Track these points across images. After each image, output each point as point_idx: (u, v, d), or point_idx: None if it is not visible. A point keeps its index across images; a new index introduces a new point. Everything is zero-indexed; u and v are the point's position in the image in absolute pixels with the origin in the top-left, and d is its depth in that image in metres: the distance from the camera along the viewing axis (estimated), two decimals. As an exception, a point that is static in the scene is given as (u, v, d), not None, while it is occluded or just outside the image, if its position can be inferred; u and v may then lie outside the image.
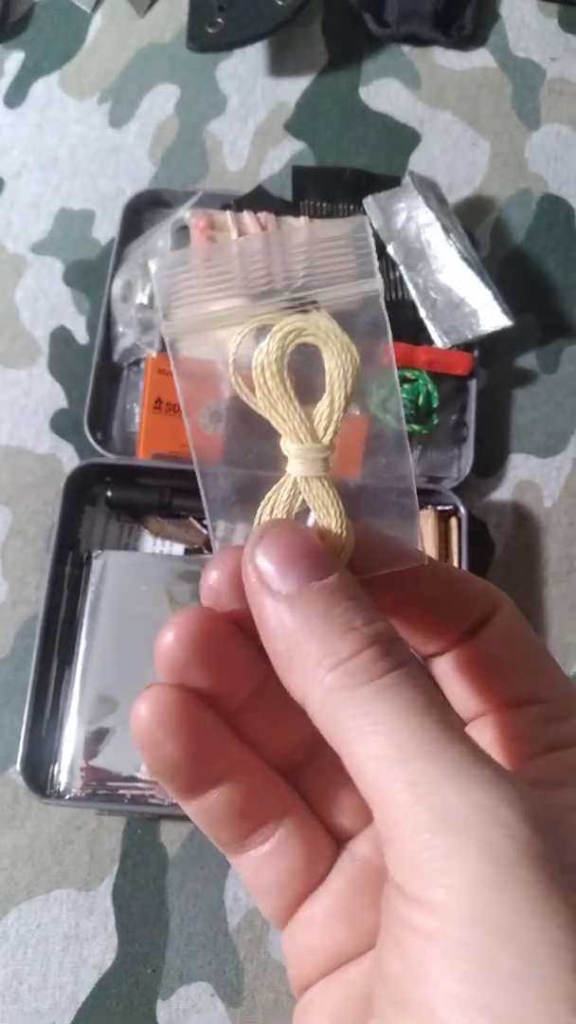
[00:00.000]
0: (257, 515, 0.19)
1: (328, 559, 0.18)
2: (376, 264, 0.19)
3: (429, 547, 0.54)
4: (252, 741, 0.21)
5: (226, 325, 0.19)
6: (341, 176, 0.64)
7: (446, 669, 0.21)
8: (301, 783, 0.21)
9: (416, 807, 0.15)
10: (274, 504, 0.19)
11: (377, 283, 0.19)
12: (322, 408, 0.19)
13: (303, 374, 0.19)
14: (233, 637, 0.20)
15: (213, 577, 0.19)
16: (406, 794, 0.15)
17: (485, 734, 0.21)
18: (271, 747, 0.21)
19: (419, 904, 0.15)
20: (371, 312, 0.19)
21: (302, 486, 0.19)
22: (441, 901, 0.14)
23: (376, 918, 0.17)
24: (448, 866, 0.14)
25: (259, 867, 0.20)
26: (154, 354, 0.58)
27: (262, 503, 0.19)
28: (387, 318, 0.19)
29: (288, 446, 0.19)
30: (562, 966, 0.13)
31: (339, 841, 0.21)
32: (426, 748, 0.15)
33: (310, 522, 0.19)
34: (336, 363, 0.19)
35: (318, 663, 0.17)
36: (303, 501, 0.19)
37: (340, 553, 0.19)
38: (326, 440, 0.19)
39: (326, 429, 0.19)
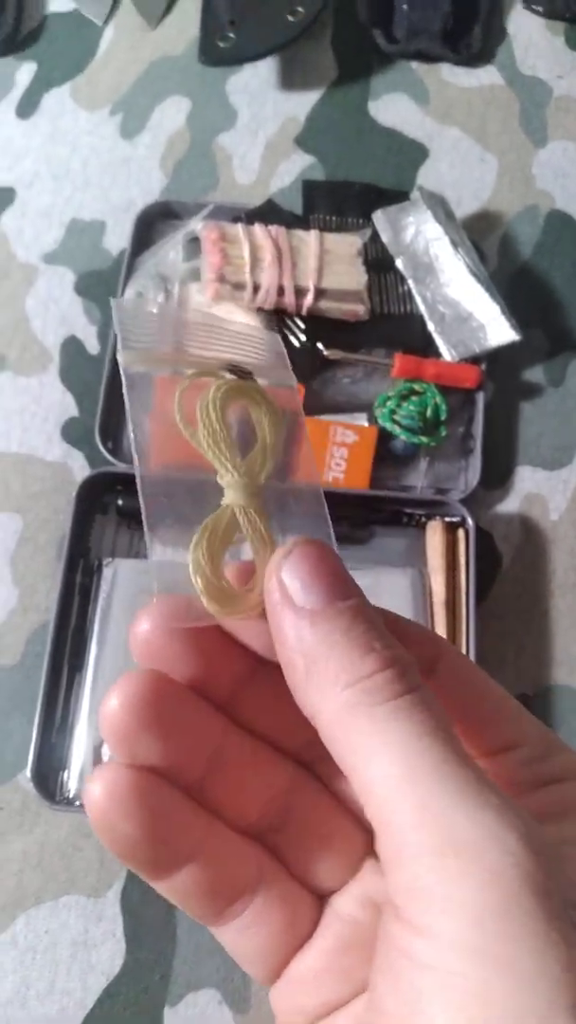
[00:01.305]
0: (194, 541, 0.19)
1: (349, 583, 0.18)
2: (291, 374, 0.22)
3: (437, 559, 0.55)
4: (218, 809, 0.20)
5: (172, 367, 0.21)
6: (351, 190, 0.65)
7: None
8: (276, 845, 0.20)
9: (422, 829, 0.15)
10: (212, 530, 0.20)
11: (293, 382, 0.22)
12: (255, 455, 0.21)
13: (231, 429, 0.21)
14: (184, 698, 0.19)
15: (143, 628, 0.19)
16: (413, 816, 0.15)
17: None
18: (239, 812, 0.20)
19: (418, 931, 0.15)
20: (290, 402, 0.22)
21: (239, 516, 0.20)
22: (441, 929, 0.14)
23: (367, 972, 0.17)
24: (450, 891, 0.14)
25: (240, 937, 0.20)
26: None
27: (200, 529, 0.19)
28: (301, 409, 0.23)
29: (227, 478, 0.20)
30: (559, 1004, 0.13)
31: (320, 897, 0.20)
32: (436, 771, 0.15)
33: (246, 551, 0.20)
34: (267, 421, 0.21)
35: (336, 678, 0.17)
36: (239, 530, 0.20)
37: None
38: (262, 479, 0.20)
39: (260, 470, 0.20)
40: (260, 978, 0.20)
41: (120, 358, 0.20)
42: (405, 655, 0.18)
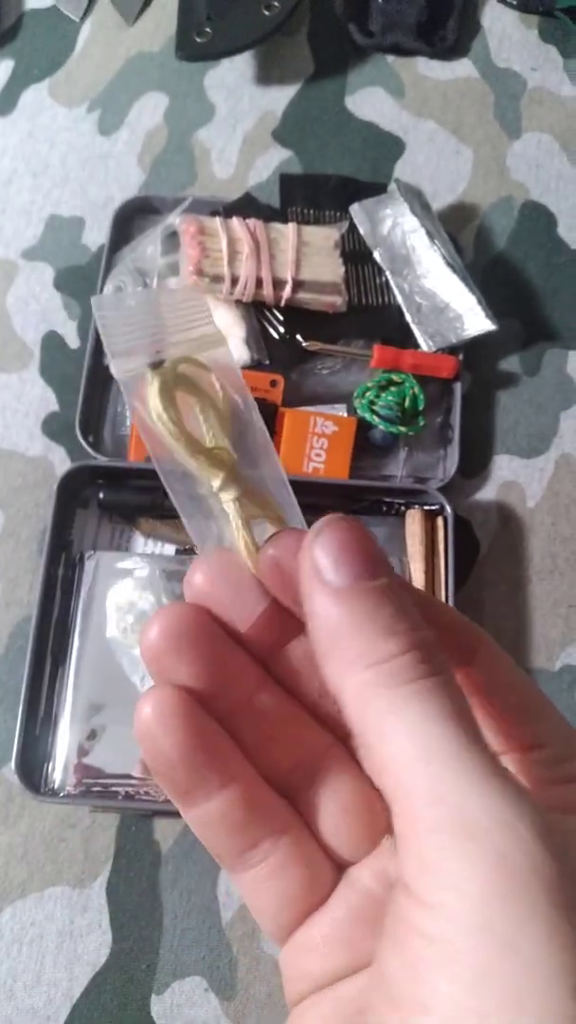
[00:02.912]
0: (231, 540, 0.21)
1: (380, 562, 0.18)
2: (212, 319, 0.21)
3: (416, 546, 0.55)
4: (253, 754, 0.21)
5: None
6: (328, 183, 0.66)
7: None
8: (303, 805, 0.21)
9: (436, 808, 0.15)
10: (235, 527, 0.20)
11: (218, 332, 0.21)
12: (207, 431, 0.21)
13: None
14: (220, 635, 0.20)
15: (198, 580, 0.20)
16: (427, 795, 0.15)
17: None
18: (270, 764, 0.21)
19: (426, 906, 0.15)
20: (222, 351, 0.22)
21: (240, 504, 0.20)
22: (448, 905, 0.15)
23: (373, 946, 0.17)
24: (460, 869, 0.15)
25: (257, 888, 0.20)
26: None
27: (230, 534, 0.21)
28: (233, 357, 0.22)
29: (213, 482, 0.21)
30: (561, 985, 0.14)
31: (339, 867, 0.21)
32: (451, 753, 0.16)
33: (264, 532, 0.21)
34: (207, 410, 0.21)
35: (359, 657, 0.17)
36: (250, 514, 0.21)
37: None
38: (225, 444, 0.21)
39: (224, 439, 0.21)
40: (270, 933, 0.21)
41: (113, 369, 0.20)
42: (429, 639, 0.18)
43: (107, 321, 0.20)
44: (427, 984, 0.15)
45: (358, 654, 0.17)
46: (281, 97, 0.71)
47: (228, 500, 0.20)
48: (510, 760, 0.20)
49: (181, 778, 0.20)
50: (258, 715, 0.20)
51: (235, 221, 0.60)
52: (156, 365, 0.20)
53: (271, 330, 0.60)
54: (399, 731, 0.16)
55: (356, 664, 0.17)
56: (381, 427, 0.58)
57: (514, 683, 0.21)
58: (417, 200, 0.65)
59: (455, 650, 0.21)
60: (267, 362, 0.60)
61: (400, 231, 0.63)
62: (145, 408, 0.20)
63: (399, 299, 0.61)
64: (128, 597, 0.53)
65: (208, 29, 0.69)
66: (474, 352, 0.62)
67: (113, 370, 0.20)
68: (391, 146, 0.70)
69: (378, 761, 0.17)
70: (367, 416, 0.58)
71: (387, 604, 0.18)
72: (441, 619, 0.21)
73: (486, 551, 0.59)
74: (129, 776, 0.50)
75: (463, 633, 0.21)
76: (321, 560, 0.18)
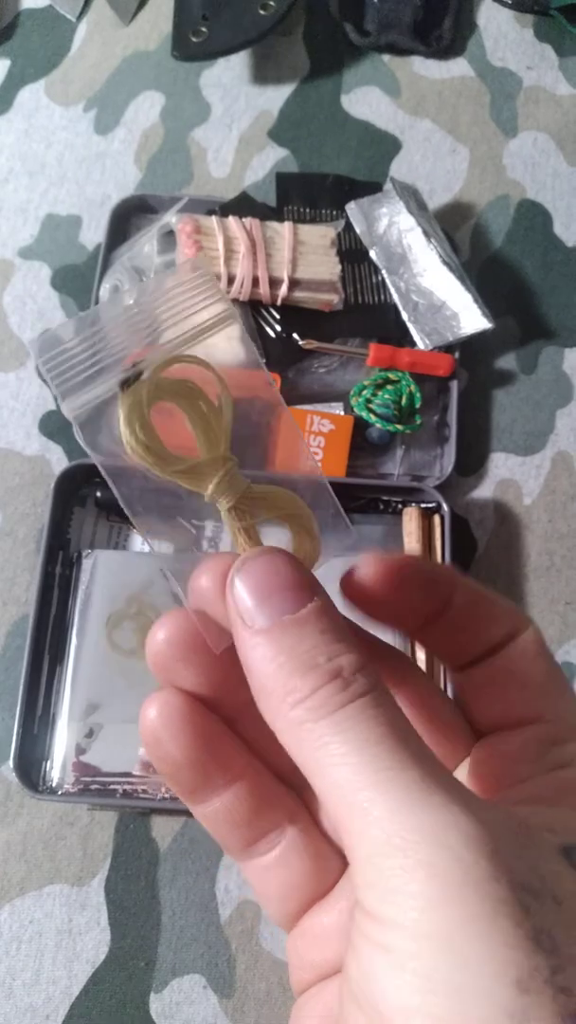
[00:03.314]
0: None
1: (303, 588, 0.18)
2: (222, 294, 0.20)
3: (413, 544, 0.55)
4: (259, 750, 0.21)
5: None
6: (324, 182, 0.66)
7: (458, 682, 0.22)
8: (307, 799, 0.22)
9: (368, 833, 0.16)
10: (232, 535, 0.20)
11: (227, 306, 0.20)
12: (200, 439, 0.20)
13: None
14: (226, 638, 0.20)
15: (203, 583, 0.20)
16: (360, 821, 0.16)
17: (484, 753, 0.21)
18: (278, 758, 0.21)
19: (374, 919, 0.16)
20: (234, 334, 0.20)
21: (242, 507, 0.20)
22: (391, 917, 0.15)
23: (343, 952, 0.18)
24: (398, 886, 0.15)
25: (264, 876, 0.21)
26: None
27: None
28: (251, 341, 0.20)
29: (207, 493, 0.20)
30: (504, 980, 0.14)
31: (343, 858, 0.21)
32: (379, 776, 0.16)
33: (272, 538, 0.20)
34: (182, 402, 0.20)
35: (282, 699, 0.17)
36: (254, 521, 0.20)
37: (313, 541, 0.20)
38: (219, 452, 0.20)
39: (213, 450, 0.20)
40: (276, 920, 0.22)
41: (63, 409, 0.19)
42: (351, 662, 0.18)
43: (51, 363, 0.19)
44: (380, 990, 0.15)
45: (283, 695, 0.17)
46: (277, 96, 0.71)
47: (222, 511, 0.20)
48: (510, 738, 0.21)
49: (187, 778, 0.20)
50: (252, 718, 0.21)
51: (231, 220, 0.60)
52: (129, 382, 0.19)
53: (267, 329, 0.60)
54: (329, 764, 0.17)
55: (283, 705, 0.17)
56: (378, 425, 0.58)
57: (541, 666, 0.21)
58: (413, 199, 0.65)
59: (495, 637, 0.21)
60: (264, 361, 0.60)
61: (396, 230, 0.63)
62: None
63: (395, 297, 0.61)
64: (126, 596, 0.53)
65: (204, 28, 0.69)
66: (470, 350, 0.63)
67: (64, 410, 0.19)
68: (387, 145, 0.70)
69: (318, 792, 0.17)
70: (364, 414, 0.58)
71: (308, 635, 0.18)
72: (487, 608, 0.21)
73: (483, 549, 0.59)
74: (127, 774, 0.50)
75: (505, 620, 0.21)
76: (242, 603, 0.18)
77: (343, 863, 0.21)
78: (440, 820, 0.16)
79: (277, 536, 0.20)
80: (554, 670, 0.21)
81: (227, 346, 0.20)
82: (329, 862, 0.21)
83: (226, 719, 0.21)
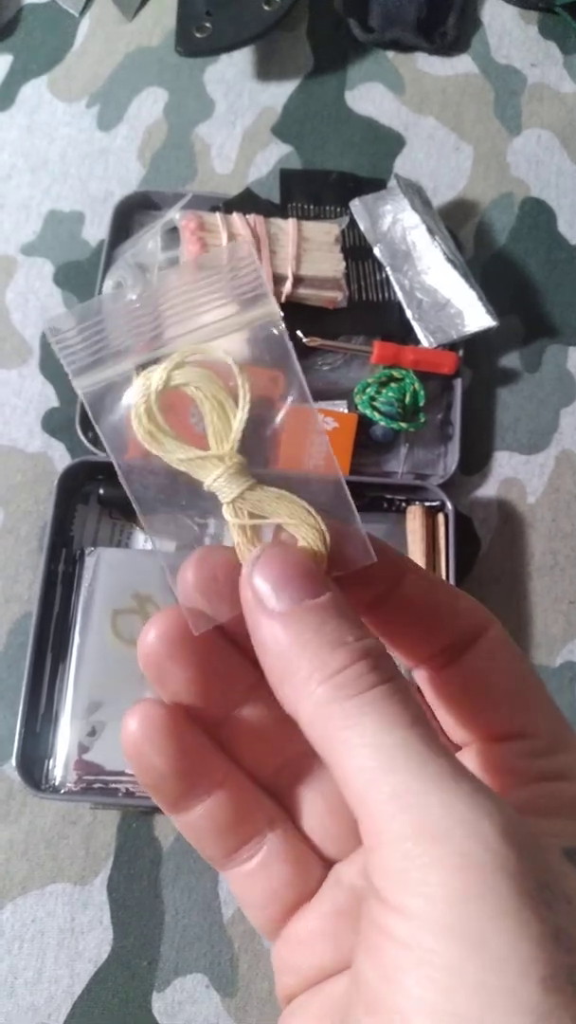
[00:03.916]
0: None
1: (320, 579, 0.19)
2: (266, 286, 0.20)
3: (417, 543, 0.55)
4: (240, 757, 0.21)
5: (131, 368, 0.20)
6: (328, 179, 0.65)
7: (434, 689, 0.22)
8: (289, 804, 0.22)
9: (398, 818, 0.15)
10: (231, 529, 0.20)
11: (271, 305, 0.20)
12: (210, 429, 0.20)
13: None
14: (217, 640, 0.20)
15: (189, 579, 0.20)
16: (389, 805, 0.16)
17: (471, 763, 0.21)
18: (259, 764, 0.21)
19: (396, 911, 0.15)
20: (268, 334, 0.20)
21: (240, 504, 0.20)
22: (417, 909, 0.15)
23: (355, 940, 0.18)
24: (426, 875, 0.15)
25: (245, 882, 0.21)
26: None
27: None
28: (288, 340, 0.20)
29: (206, 482, 0.20)
30: (529, 978, 0.14)
31: (326, 863, 0.21)
32: (410, 761, 0.16)
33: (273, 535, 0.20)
34: (198, 390, 0.20)
35: (309, 676, 0.17)
36: (259, 518, 0.20)
37: (322, 536, 0.20)
38: (226, 448, 0.20)
39: (221, 443, 0.20)
40: (260, 927, 0.21)
41: (75, 385, 0.19)
42: (377, 646, 0.18)
43: (66, 341, 0.19)
44: (400, 988, 0.15)
45: (309, 672, 0.17)
46: (281, 93, 0.71)
47: (224, 503, 0.20)
48: (492, 749, 0.20)
49: (170, 788, 0.20)
50: (248, 718, 0.21)
51: (235, 217, 0.60)
52: (146, 365, 0.19)
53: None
54: (359, 743, 0.16)
55: (309, 683, 0.17)
56: (382, 423, 0.58)
57: (512, 671, 0.21)
58: (417, 196, 0.65)
59: (459, 634, 0.21)
60: (267, 358, 0.59)
61: (400, 227, 0.63)
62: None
63: (399, 295, 0.61)
64: (129, 594, 0.53)
65: (208, 24, 0.69)
66: (475, 348, 0.62)
67: (76, 386, 0.19)
68: (391, 142, 0.70)
69: (340, 775, 0.17)
70: (368, 412, 0.58)
71: (331, 618, 0.18)
72: (452, 603, 0.21)
73: (487, 548, 0.59)
74: (130, 773, 0.50)
75: (471, 617, 0.21)
76: (261, 589, 0.18)
77: (324, 867, 0.21)
78: (473, 809, 0.15)
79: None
80: (526, 674, 0.21)
81: (243, 345, 0.20)
82: (311, 866, 0.21)
83: (209, 725, 0.21)
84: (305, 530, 0.20)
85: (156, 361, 0.19)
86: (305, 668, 0.17)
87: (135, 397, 0.19)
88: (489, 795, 0.16)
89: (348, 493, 0.20)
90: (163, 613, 0.20)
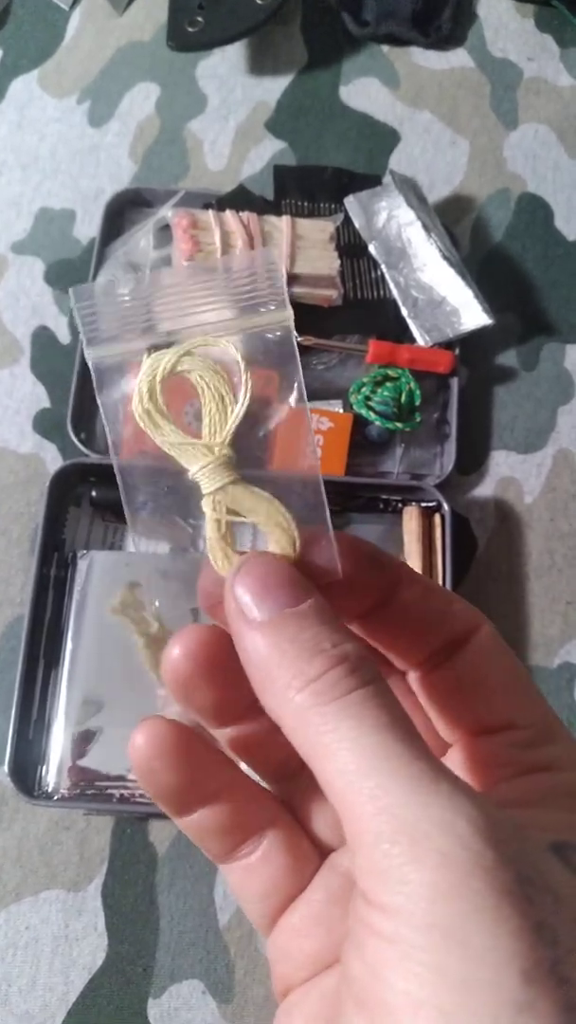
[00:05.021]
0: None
1: (301, 587, 0.19)
2: (286, 296, 0.21)
3: (413, 544, 0.55)
4: (246, 752, 0.22)
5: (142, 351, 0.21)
6: (322, 175, 0.65)
7: (425, 690, 0.22)
8: (290, 794, 0.22)
9: (378, 818, 0.16)
10: (208, 523, 0.20)
11: (288, 310, 0.21)
12: (206, 420, 0.21)
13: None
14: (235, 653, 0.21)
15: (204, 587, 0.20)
16: (369, 806, 0.16)
17: (460, 757, 0.21)
18: (265, 757, 0.22)
19: (380, 909, 0.16)
20: (283, 340, 0.21)
21: (220, 498, 0.20)
22: (399, 906, 0.15)
23: (342, 947, 0.18)
24: (406, 875, 0.15)
25: (244, 876, 0.21)
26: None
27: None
28: (295, 349, 0.21)
29: (191, 471, 0.20)
30: (510, 970, 0.14)
31: (322, 852, 0.22)
32: (389, 764, 0.16)
33: (250, 543, 0.20)
34: (202, 380, 0.20)
35: (288, 684, 0.18)
36: (236, 515, 0.20)
37: (292, 544, 0.20)
38: (217, 440, 0.20)
39: (214, 435, 0.20)
40: (256, 921, 0.22)
41: (87, 354, 0.20)
42: (356, 650, 0.18)
43: (91, 309, 0.20)
44: (386, 983, 0.15)
45: (288, 680, 0.18)
46: (274, 87, 0.70)
47: (204, 494, 0.20)
48: (480, 743, 0.21)
49: (177, 800, 0.21)
50: (259, 717, 0.21)
51: (228, 214, 0.59)
52: (158, 347, 0.20)
53: (265, 325, 0.59)
54: (338, 747, 0.17)
55: (288, 691, 0.18)
56: (377, 423, 0.57)
57: (502, 664, 0.21)
58: (413, 192, 0.64)
59: (452, 634, 0.21)
60: (267, 359, 0.59)
61: (396, 224, 0.62)
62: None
63: (395, 293, 0.60)
64: (122, 597, 0.52)
65: (200, 18, 0.68)
66: (471, 347, 0.62)
67: (88, 355, 0.20)
68: (386, 137, 0.69)
69: (323, 779, 0.17)
70: (363, 412, 0.58)
71: (310, 626, 0.18)
72: (445, 605, 0.21)
73: (484, 548, 0.59)
74: (124, 778, 0.50)
75: (464, 617, 0.21)
76: (243, 599, 0.19)
77: (319, 860, 0.22)
78: (450, 809, 0.16)
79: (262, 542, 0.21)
80: (516, 669, 0.21)
81: (248, 343, 0.21)
82: (309, 858, 0.21)
83: (222, 723, 0.21)
84: (279, 534, 0.20)
85: (167, 346, 0.20)
86: (284, 677, 0.18)
87: (141, 375, 0.20)
88: (468, 794, 0.16)
89: (327, 511, 0.21)
90: (187, 630, 0.20)
